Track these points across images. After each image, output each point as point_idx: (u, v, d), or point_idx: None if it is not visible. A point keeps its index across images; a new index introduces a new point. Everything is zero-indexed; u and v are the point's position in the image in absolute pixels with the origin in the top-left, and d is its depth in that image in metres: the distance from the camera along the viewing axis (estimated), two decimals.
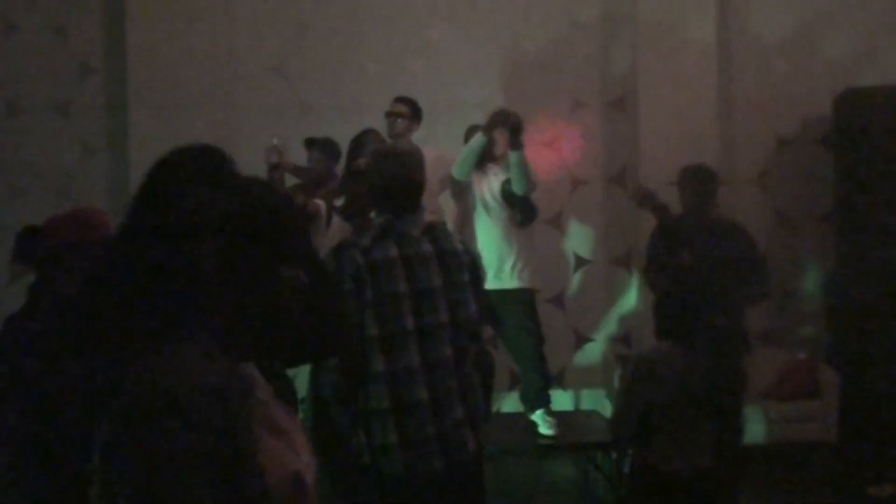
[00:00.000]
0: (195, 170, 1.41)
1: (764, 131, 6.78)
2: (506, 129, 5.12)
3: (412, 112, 5.65)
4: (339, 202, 5.01)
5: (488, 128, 5.18)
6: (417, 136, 5.65)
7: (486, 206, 5.35)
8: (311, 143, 5.68)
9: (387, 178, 3.01)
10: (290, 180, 5.72)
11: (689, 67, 6.46)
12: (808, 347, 6.52)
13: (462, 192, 5.40)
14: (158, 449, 1.30)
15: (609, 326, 6.78)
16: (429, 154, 3.70)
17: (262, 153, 5.35)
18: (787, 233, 6.78)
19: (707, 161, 5.32)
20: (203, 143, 1.50)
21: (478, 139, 5.19)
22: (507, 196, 5.29)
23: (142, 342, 1.37)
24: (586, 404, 6.62)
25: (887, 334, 5.82)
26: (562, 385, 6.62)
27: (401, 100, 5.69)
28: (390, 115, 5.63)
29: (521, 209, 5.29)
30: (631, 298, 6.70)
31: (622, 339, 6.73)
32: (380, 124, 5.66)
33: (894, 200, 5.94)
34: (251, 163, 5.48)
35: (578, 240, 6.84)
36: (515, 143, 5.10)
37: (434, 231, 3.07)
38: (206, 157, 1.44)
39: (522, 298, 5.34)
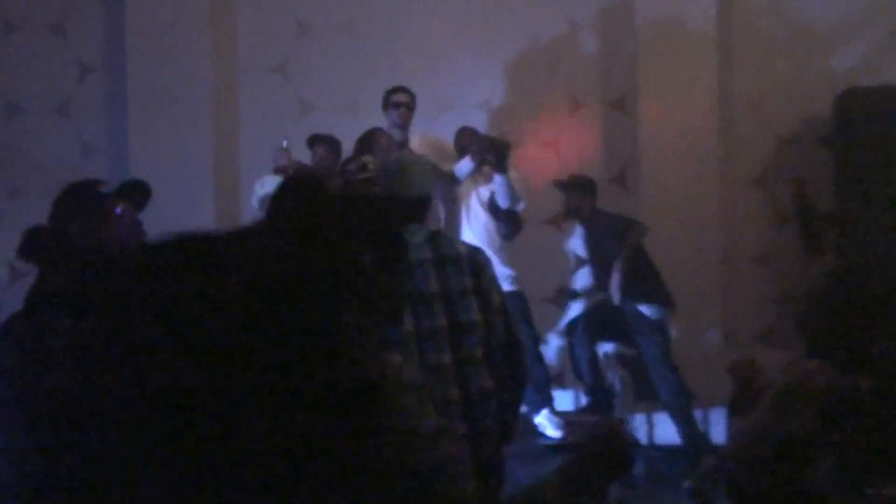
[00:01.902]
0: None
1: (764, 131, 6.77)
2: (492, 155, 5.21)
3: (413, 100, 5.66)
4: None
5: (476, 155, 5.25)
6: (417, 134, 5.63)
7: (472, 215, 5.43)
8: (314, 141, 5.65)
9: (389, 190, 3.17)
10: None
11: (689, 67, 6.45)
12: None
13: (450, 199, 5.48)
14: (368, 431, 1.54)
15: None
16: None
17: (269, 154, 5.32)
18: (787, 232, 6.77)
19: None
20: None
21: (466, 165, 5.28)
22: (494, 208, 5.37)
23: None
24: None
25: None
26: (562, 385, 6.61)
27: (403, 90, 5.62)
28: (400, 105, 5.55)
29: (506, 222, 5.38)
30: None
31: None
32: (381, 124, 5.64)
33: (894, 200, 5.93)
34: (252, 162, 5.50)
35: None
36: (501, 167, 5.21)
37: (436, 238, 3.14)
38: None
39: (513, 302, 5.38)
